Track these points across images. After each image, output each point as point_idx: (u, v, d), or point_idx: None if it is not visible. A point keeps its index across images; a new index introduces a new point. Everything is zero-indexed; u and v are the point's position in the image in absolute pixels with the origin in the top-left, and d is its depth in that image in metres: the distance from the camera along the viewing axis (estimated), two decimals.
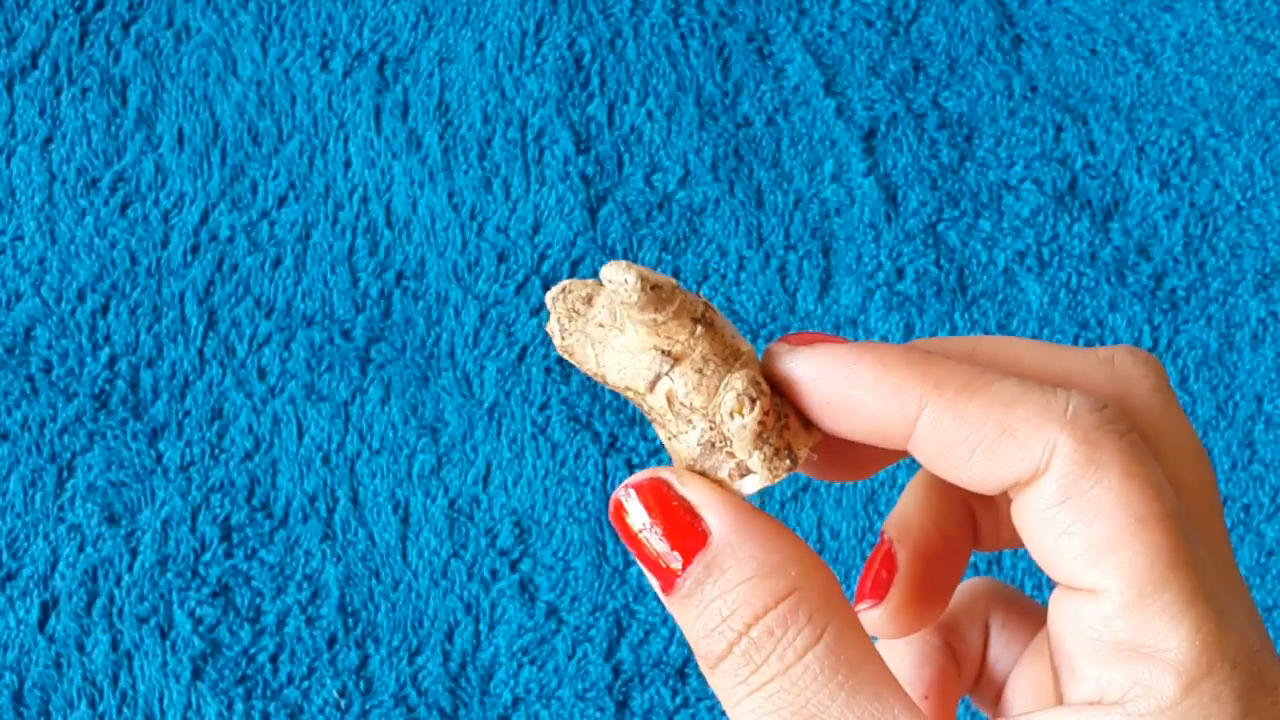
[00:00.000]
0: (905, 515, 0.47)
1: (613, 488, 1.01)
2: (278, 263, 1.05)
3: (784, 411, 0.41)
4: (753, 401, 0.40)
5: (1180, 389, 1.06)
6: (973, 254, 1.08)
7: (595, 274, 1.06)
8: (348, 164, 1.08)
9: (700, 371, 0.40)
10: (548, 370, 1.04)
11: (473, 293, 1.05)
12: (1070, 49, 1.13)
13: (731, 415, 0.41)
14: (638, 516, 0.40)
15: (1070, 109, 1.12)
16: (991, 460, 0.40)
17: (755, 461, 0.40)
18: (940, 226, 1.08)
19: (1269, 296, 1.08)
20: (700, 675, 0.99)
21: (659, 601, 1.00)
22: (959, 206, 1.09)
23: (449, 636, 0.99)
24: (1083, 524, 0.39)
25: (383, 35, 1.11)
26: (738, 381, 0.40)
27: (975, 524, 0.48)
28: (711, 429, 0.41)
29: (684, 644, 1.00)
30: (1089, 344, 1.06)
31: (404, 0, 1.12)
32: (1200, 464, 0.42)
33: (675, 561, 0.40)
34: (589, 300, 0.41)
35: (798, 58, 1.12)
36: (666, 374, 0.41)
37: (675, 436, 0.41)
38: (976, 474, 0.40)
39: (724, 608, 0.39)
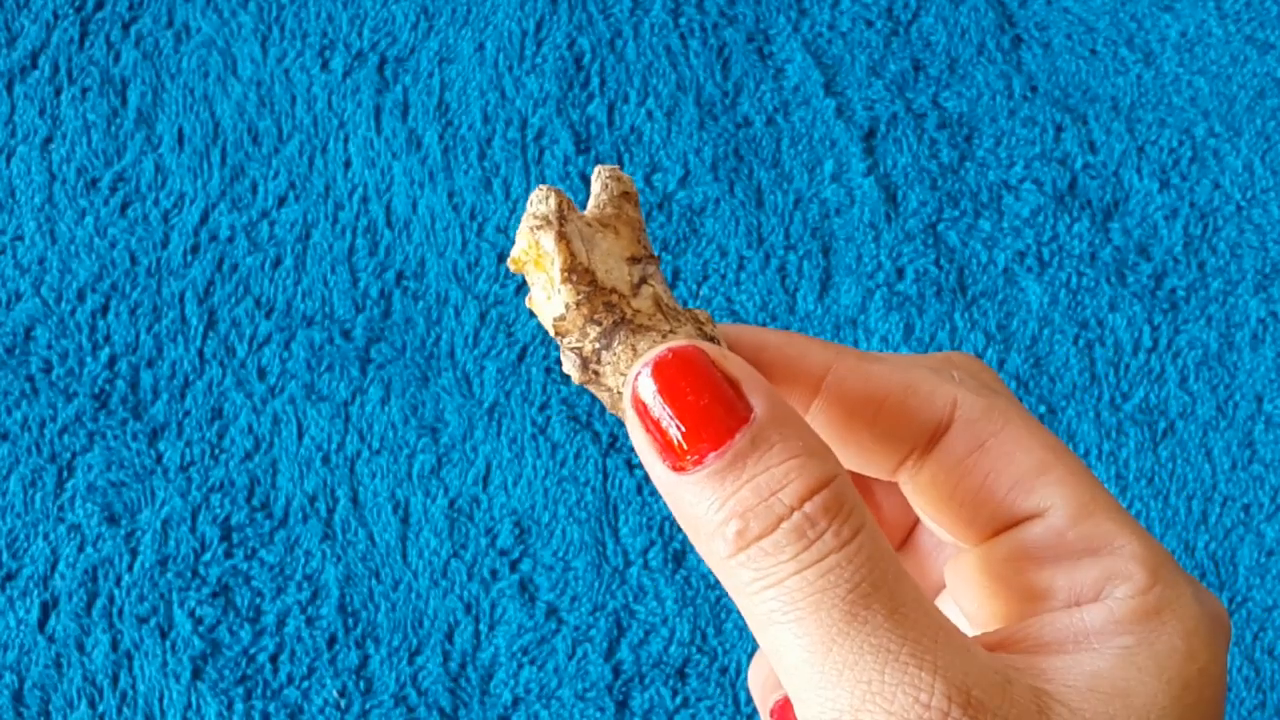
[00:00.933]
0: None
1: (613, 488, 1.01)
2: (278, 263, 1.05)
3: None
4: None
5: (1180, 389, 1.06)
6: (973, 254, 1.08)
7: None
8: (348, 164, 1.08)
9: (663, 281, 0.41)
10: (548, 370, 1.04)
11: (473, 293, 1.05)
12: (1070, 49, 1.13)
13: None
14: (679, 385, 0.38)
15: (1070, 109, 1.12)
16: (898, 417, 0.41)
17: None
18: (940, 226, 1.08)
19: (1269, 296, 1.08)
20: (700, 676, 0.99)
21: (658, 601, 1.00)
22: (959, 206, 1.09)
23: (449, 636, 1.00)
24: (1005, 460, 0.40)
25: (383, 35, 1.11)
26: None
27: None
28: (698, 328, 0.41)
29: (685, 644, 1.00)
30: (1089, 344, 1.06)
31: (404, 0, 1.12)
32: None
33: (712, 434, 0.38)
34: (605, 183, 0.41)
35: (798, 58, 1.12)
36: (648, 279, 0.40)
37: (669, 334, 0.41)
38: (883, 433, 0.40)
39: (770, 483, 0.37)
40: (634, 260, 0.41)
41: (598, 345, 0.40)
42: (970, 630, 0.45)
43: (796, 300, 1.06)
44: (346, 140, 1.08)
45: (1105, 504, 0.41)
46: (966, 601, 0.43)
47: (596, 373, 0.41)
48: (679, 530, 1.01)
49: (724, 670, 1.00)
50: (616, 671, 1.00)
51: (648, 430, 0.38)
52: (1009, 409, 0.41)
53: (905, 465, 0.42)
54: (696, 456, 0.38)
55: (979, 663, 0.37)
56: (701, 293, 1.06)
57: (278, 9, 1.11)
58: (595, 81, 1.11)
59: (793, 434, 0.38)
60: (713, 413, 0.38)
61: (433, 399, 1.03)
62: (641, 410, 0.38)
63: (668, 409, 0.38)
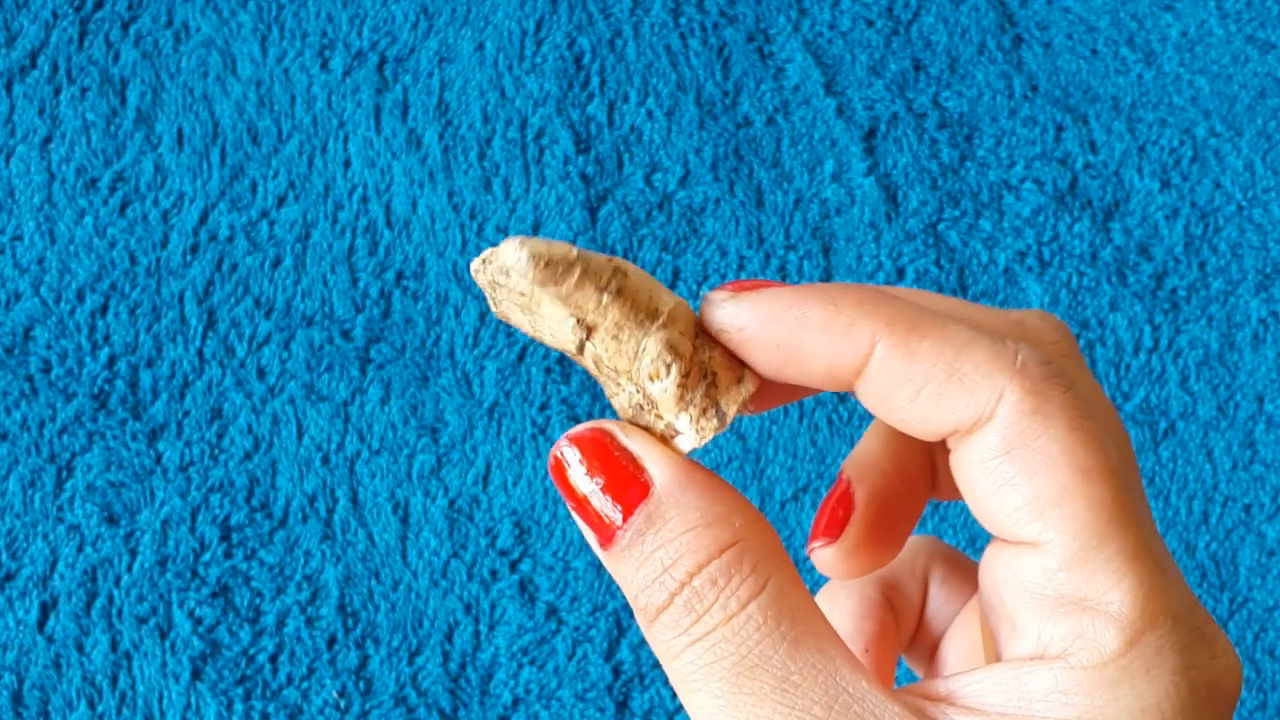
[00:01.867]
0: (866, 455, 0.46)
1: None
2: (277, 263, 1.05)
3: (709, 368, 0.40)
4: (668, 367, 0.40)
5: (1181, 389, 1.06)
6: (973, 254, 1.08)
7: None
8: (347, 164, 1.08)
9: (616, 338, 0.40)
10: (548, 370, 1.04)
11: (473, 293, 1.05)
12: (1071, 49, 1.13)
13: (651, 380, 0.40)
14: (578, 468, 0.40)
15: (1071, 109, 1.12)
16: (936, 403, 0.39)
17: (683, 423, 0.40)
18: (941, 226, 1.08)
19: (1270, 296, 1.08)
20: None
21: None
22: (959, 206, 1.09)
23: (449, 637, 0.99)
24: (1026, 475, 0.39)
25: (382, 35, 1.11)
26: (652, 346, 0.40)
27: (935, 470, 0.47)
28: (638, 391, 0.40)
29: None
30: (1090, 344, 1.06)
31: (404, 0, 1.11)
32: (1120, 425, 0.42)
33: (616, 514, 0.39)
34: (508, 271, 0.41)
35: (798, 57, 1.12)
36: (587, 340, 0.40)
37: (613, 396, 0.41)
38: (918, 416, 0.39)
39: (665, 558, 0.38)
40: (575, 320, 0.40)
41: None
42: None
43: None
44: (346, 140, 1.08)
45: (1113, 549, 0.38)
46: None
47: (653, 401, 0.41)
48: None
49: None
50: (616, 672, 1.00)
51: (576, 509, 0.40)
52: (1057, 414, 0.39)
53: (948, 440, 0.41)
54: (608, 537, 0.39)
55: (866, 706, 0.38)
56: (702, 292, 1.06)
57: (277, 8, 1.11)
58: (595, 81, 1.11)
59: (689, 504, 0.39)
60: (615, 491, 0.39)
61: (433, 399, 1.03)
62: (568, 492, 0.40)
63: (580, 496, 0.40)
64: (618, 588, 1.00)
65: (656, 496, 0.39)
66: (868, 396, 0.40)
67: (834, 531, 0.45)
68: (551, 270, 0.39)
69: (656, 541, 0.38)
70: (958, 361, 0.39)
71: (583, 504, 0.39)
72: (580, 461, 0.40)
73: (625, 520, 0.39)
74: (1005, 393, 0.39)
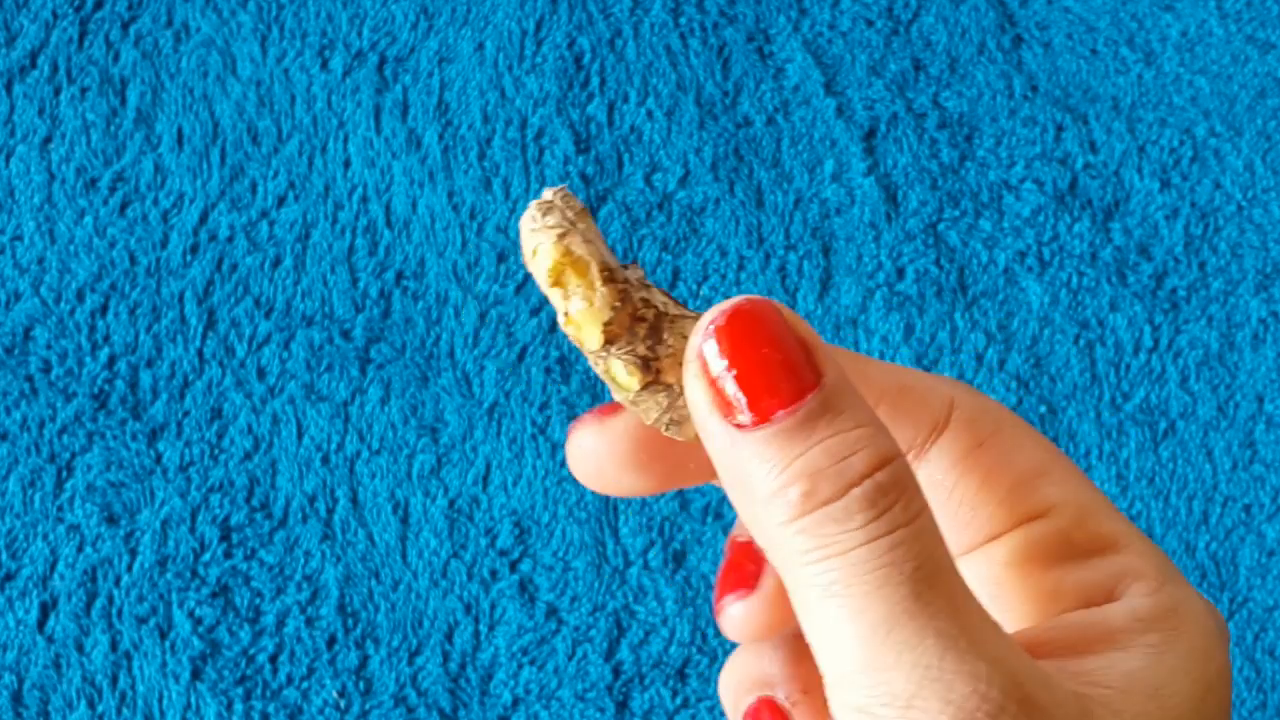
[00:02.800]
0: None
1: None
2: (277, 263, 1.05)
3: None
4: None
5: (1181, 389, 1.06)
6: (973, 254, 1.08)
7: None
8: (347, 164, 1.08)
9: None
10: (548, 370, 1.04)
11: (473, 293, 1.05)
12: (1071, 48, 1.13)
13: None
14: (750, 340, 0.36)
15: (1071, 109, 1.12)
16: (895, 416, 0.39)
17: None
18: (941, 226, 1.08)
19: (1270, 296, 1.08)
20: (700, 676, 0.99)
21: (657, 601, 1.00)
22: (959, 206, 1.09)
23: (449, 637, 0.99)
24: (1004, 459, 0.39)
25: (382, 35, 1.11)
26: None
27: None
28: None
29: (685, 644, 1.00)
30: (1090, 344, 1.06)
31: (404, 0, 1.11)
32: None
33: (771, 396, 0.35)
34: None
35: (798, 57, 1.12)
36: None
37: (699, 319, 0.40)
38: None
39: (842, 447, 0.35)
40: (624, 267, 0.40)
41: (650, 342, 0.39)
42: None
43: (797, 300, 1.06)
44: (346, 140, 1.08)
45: (1105, 505, 0.40)
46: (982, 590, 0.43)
47: (658, 370, 0.39)
48: (679, 530, 1.01)
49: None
50: (616, 672, 1.00)
51: (710, 386, 0.36)
52: (1003, 412, 0.40)
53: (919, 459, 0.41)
54: (760, 416, 0.35)
55: (1027, 660, 0.35)
56: (702, 293, 1.06)
57: (277, 8, 1.11)
58: (595, 81, 1.11)
59: (861, 404, 0.36)
60: (784, 371, 0.36)
61: (432, 399, 1.03)
62: (704, 368, 0.36)
63: (734, 366, 0.36)
64: (618, 588, 1.00)
65: (831, 385, 0.36)
66: None
67: (749, 582, 0.42)
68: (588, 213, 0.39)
69: (831, 429, 0.35)
70: (905, 378, 0.40)
71: (717, 380, 0.36)
72: (730, 332, 0.36)
73: (794, 402, 0.35)
74: (955, 398, 0.40)
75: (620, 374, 0.39)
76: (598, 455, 0.41)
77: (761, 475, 0.35)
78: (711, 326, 0.36)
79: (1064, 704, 0.35)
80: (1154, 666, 0.37)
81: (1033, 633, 0.39)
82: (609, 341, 0.38)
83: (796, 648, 0.44)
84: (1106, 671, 0.37)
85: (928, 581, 0.34)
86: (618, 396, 0.39)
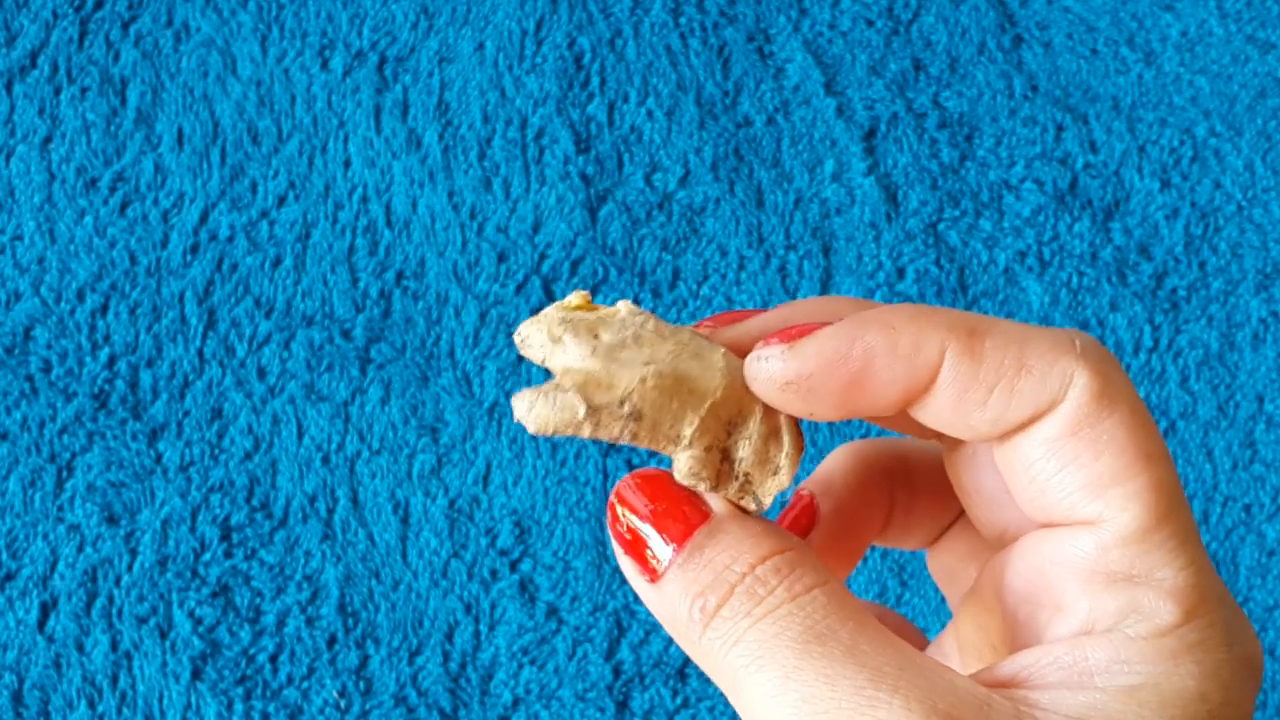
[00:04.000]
0: (829, 476, 0.47)
1: (613, 487, 1.01)
2: (277, 262, 1.05)
3: (741, 470, 0.41)
4: (693, 485, 0.41)
5: (1181, 389, 1.06)
6: (973, 254, 1.08)
7: (595, 275, 1.06)
8: (347, 164, 1.08)
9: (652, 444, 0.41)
10: (548, 371, 1.04)
11: (473, 292, 1.05)
12: (1071, 48, 1.13)
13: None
14: (636, 500, 0.40)
15: (1071, 108, 1.12)
16: (1008, 399, 0.39)
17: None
18: (941, 226, 1.08)
19: (1270, 296, 1.08)
20: (701, 676, 0.99)
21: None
22: (959, 206, 1.09)
23: (449, 637, 0.99)
24: (1092, 455, 0.39)
25: (382, 35, 1.11)
26: (680, 463, 0.41)
27: (891, 509, 0.48)
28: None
29: None
30: None
31: (404, 0, 1.11)
32: None
33: (668, 547, 0.40)
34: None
35: (798, 57, 1.12)
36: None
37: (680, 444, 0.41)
38: (990, 418, 0.39)
39: (726, 559, 0.39)
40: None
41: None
42: (970, 666, 0.45)
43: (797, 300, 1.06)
44: (346, 140, 1.08)
45: (1170, 529, 0.39)
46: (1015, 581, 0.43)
47: (749, 480, 0.42)
48: None
49: None
50: (617, 672, 1.00)
51: (626, 552, 0.40)
52: (1120, 397, 0.39)
53: (1010, 437, 0.41)
54: (656, 570, 0.40)
55: (954, 686, 0.37)
56: (702, 292, 1.06)
57: (277, 8, 1.11)
58: (595, 81, 1.11)
59: (748, 523, 0.40)
60: (674, 518, 0.40)
61: (433, 399, 1.03)
62: (618, 535, 0.41)
63: (639, 527, 0.40)
64: (618, 587, 1.00)
65: (718, 518, 0.40)
66: (936, 410, 0.40)
67: (801, 535, 0.46)
68: (563, 431, 0.40)
69: (717, 549, 0.39)
70: (1023, 355, 0.39)
71: (633, 542, 0.40)
72: (636, 492, 0.41)
73: (682, 545, 0.40)
74: (1074, 376, 0.39)
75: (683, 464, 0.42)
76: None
77: (675, 610, 0.40)
78: (614, 499, 0.41)
79: (998, 717, 0.37)
80: (1120, 702, 0.37)
81: (1006, 667, 0.39)
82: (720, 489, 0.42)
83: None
84: (1064, 702, 0.37)
85: (818, 640, 0.37)
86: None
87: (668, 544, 0.40)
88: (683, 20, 1.12)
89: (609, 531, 0.42)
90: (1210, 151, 1.11)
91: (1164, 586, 0.39)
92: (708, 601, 0.38)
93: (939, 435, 0.44)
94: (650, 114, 1.10)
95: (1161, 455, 0.39)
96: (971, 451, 0.44)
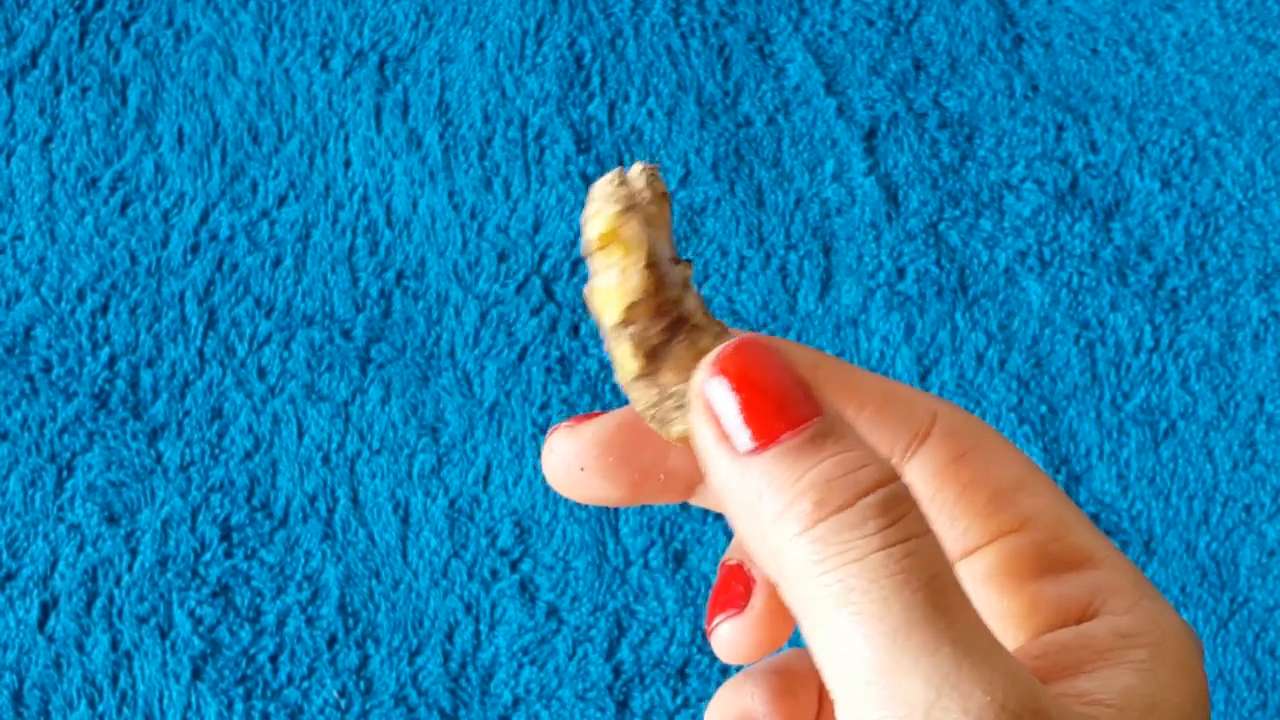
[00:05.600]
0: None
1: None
2: (278, 262, 1.05)
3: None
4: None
5: (1181, 389, 1.06)
6: (974, 254, 1.08)
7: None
8: (348, 163, 1.08)
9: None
10: (548, 370, 1.04)
11: (473, 292, 1.05)
12: (1071, 48, 1.13)
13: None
14: (755, 374, 0.36)
15: (1071, 108, 1.12)
16: (879, 423, 0.40)
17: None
18: (941, 226, 1.08)
19: (1270, 296, 1.08)
20: (701, 676, 0.99)
21: (658, 601, 1.00)
22: (960, 206, 1.09)
23: (449, 636, 0.99)
24: (984, 471, 0.40)
25: (383, 35, 1.11)
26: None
27: None
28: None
29: (685, 644, 1.00)
30: (1090, 344, 1.06)
31: (404, 0, 1.12)
32: None
33: (770, 424, 0.35)
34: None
35: (798, 57, 1.12)
36: (688, 281, 0.40)
37: (720, 335, 0.40)
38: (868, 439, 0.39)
39: (849, 462, 0.35)
40: (674, 261, 0.40)
41: (665, 337, 0.39)
42: None
43: (797, 300, 1.06)
44: (347, 140, 1.08)
45: (1081, 520, 0.40)
46: None
47: (659, 365, 0.40)
48: (679, 530, 1.01)
49: (725, 670, 0.99)
50: (617, 671, 1.00)
51: (714, 422, 0.36)
52: (984, 427, 0.41)
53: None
54: (766, 439, 0.35)
55: (1031, 676, 0.35)
56: (702, 293, 1.06)
57: (278, 8, 1.11)
58: (596, 81, 1.11)
59: (859, 435, 0.36)
60: (787, 402, 0.36)
61: (433, 399, 1.03)
62: (707, 405, 0.36)
63: (739, 398, 0.36)
64: (618, 587, 1.00)
65: (831, 414, 0.36)
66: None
67: (739, 602, 0.42)
68: (670, 199, 0.39)
69: (839, 446, 0.35)
70: (889, 388, 0.40)
71: (721, 415, 0.36)
72: (732, 369, 0.36)
73: (799, 425, 0.35)
74: (939, 410, 0.40)
75: (624, 355, 0.39)
76: (566, 459, 0.41)
77: (771, 494, 0.35)
78: (715, 365, 0.36)
79: (1072, 714, 0.35)
80: (1147, 683, 0.37)
81: (1021, 654, 0.38)
82: (626, 322, 0.39)
83: (779, 684, 0.43)
84: (1102, 690, 0.36)
85: (943, 591, 0.34)
86: (616, 376, 0.40)
87: (776, 424, 0.36)
88: (683, 20, 1.12)
89: (695, 389, 0.37)
90: (1211, 151, 1.11)
91: (1108, 564, 0.39)
92: (829, 497, 0.34)
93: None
94: (651, 114, 1.10)
95: (1037, 466, 0.41)
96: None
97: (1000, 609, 0.40)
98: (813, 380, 0.37)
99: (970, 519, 0.40)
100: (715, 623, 0.42)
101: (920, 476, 0.40)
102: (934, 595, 0.34)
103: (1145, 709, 0.36)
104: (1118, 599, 0.38)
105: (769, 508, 0.35)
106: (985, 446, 0.40)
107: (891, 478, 0.35)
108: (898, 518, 0.34)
